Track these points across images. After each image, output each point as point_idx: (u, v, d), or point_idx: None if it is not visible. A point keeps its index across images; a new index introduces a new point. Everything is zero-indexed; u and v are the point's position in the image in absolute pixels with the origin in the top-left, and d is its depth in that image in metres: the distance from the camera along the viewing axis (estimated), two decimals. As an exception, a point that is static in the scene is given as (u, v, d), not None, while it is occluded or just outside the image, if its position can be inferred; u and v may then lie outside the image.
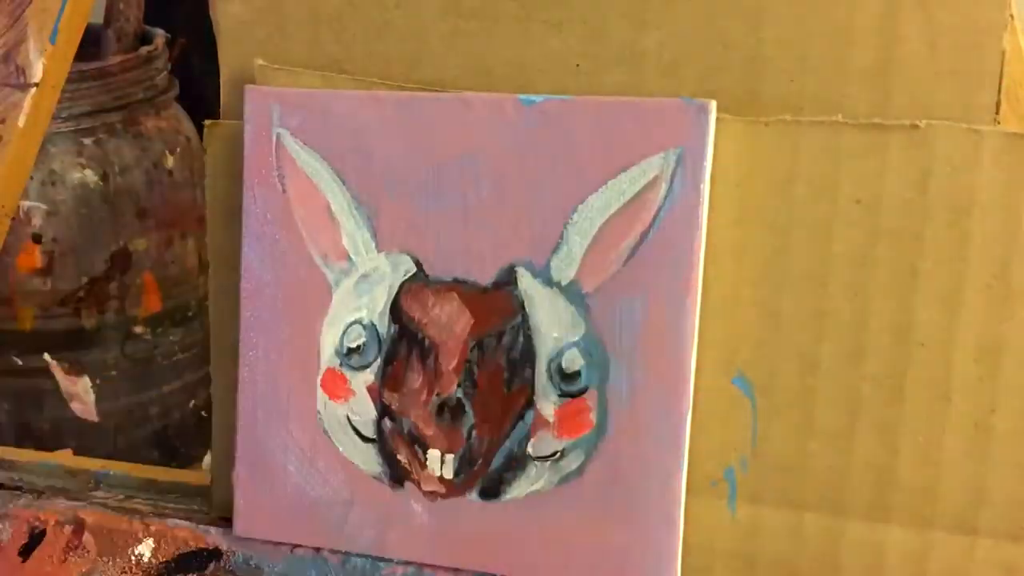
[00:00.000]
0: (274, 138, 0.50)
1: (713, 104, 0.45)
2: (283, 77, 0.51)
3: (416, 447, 0.50)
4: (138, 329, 0.82)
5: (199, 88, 0.82)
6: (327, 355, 0.51)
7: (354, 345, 0.50)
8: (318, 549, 0.52)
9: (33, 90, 0.60)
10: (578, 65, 0.50)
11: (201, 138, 0.79)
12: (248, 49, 0.54)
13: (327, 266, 0.50)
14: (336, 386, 0.51)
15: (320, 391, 0.51)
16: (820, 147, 0.46)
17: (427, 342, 0.49)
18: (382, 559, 0.51)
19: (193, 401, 0.89)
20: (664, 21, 0.48)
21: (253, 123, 0.51)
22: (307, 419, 0.51)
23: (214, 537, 0.54)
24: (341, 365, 0.51)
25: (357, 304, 0.50)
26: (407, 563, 0.50)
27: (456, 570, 0.50)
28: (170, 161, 0.77)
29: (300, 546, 0.52)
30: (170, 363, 0.86)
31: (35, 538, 0.56)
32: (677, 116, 0.46)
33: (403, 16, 0.52)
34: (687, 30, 0.48)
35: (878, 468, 0.47)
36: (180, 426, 0.90)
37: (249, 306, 0.52)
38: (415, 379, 0.49)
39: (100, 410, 0.85)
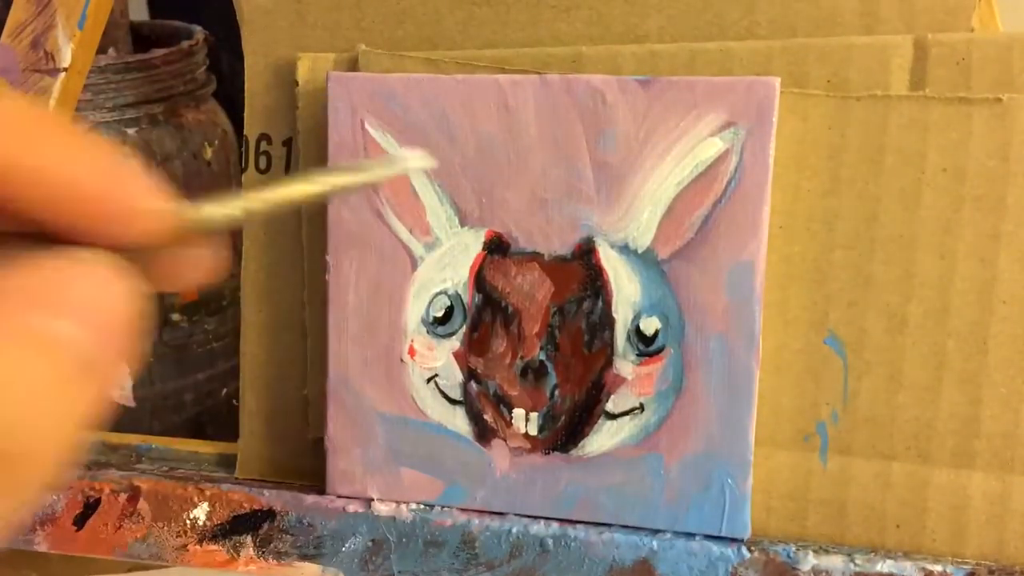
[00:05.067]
0: (358, 122, 0.53)
1: (777, 81, 0.49)
2: (385, 62, 0.54)
3: (502, 407, 0.53)
4: (175, 316, 0.83)
5: (228, 85, 0.85)
6: (413, 324, 0.54)
7: (440, 314, 0.53)
8: (369, 502, 0.55)
9: (62, 75, 0.62)
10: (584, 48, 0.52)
11: (236, 132, 0.81)
12: (272, 37, 0.56)
13: (413, 241, 0.54)
14: (423, 353, 0.54)
15: (408, 358, 0.54)
16: (908, 120, 0.49)
17: (510, 309, 0.52)
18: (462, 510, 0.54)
19: (225, 389, 0.90)
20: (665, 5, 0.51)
21: (337, 108, 0.53)
22: (396, 386, 0.54)
23: (267, 499, 0.56)
24: (427, 333, 0.54)
25: (442, 276, 0.53)
26: (493, 513, 0.53)
27: (541, 519, 0.53)
28: (208, 152, 0.79)
29: (353, 499, 0.55)
30: (204, 351, 0.87)
31: (90, 507, 0.58)
32: (744, 93, 0.49)
33: (420, 2, 0.55)
34: (687, 14, 0.51)
35: (962, 418, 0.50)
36: (213, 413, 0.91)
37: (336, 281, 0.54)
38: (499, 344, 0.53)
39: (136, 395, 0.86)
